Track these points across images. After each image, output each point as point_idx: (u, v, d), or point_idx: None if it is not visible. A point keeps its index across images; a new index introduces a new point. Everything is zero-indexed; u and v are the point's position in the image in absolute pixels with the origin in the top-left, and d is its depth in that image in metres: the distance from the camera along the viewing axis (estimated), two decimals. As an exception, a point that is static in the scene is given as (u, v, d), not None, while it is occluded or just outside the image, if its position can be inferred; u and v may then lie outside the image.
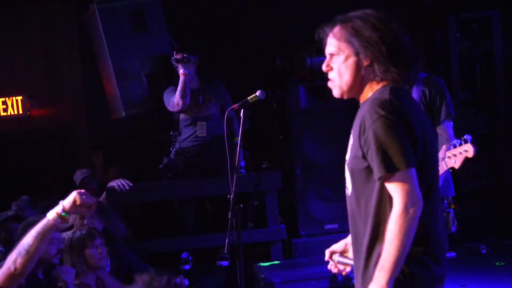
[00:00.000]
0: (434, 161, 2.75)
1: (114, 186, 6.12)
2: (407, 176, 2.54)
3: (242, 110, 4.39)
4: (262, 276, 5.77)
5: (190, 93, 6.31)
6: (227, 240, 4.21)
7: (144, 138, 7.77)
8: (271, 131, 7.52)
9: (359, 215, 2.73)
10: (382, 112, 2.55)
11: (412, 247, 2.57)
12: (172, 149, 6.57)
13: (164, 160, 6.54)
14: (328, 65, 2.75)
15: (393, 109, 2.56)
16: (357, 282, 2.79)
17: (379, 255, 2.60)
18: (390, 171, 2.54)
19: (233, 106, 4.56)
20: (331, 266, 3.04)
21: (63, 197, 3.12)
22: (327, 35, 2.72)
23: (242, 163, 6.59)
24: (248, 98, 4.48)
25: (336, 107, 6.48)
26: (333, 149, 6.56)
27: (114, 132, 7.64)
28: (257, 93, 4.50)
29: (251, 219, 6.64)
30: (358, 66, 2.66)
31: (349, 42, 2.65)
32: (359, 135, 2.62)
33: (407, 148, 2.55)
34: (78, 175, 6.52)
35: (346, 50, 2.66)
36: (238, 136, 4.56)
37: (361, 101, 2.74)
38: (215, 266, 6.45)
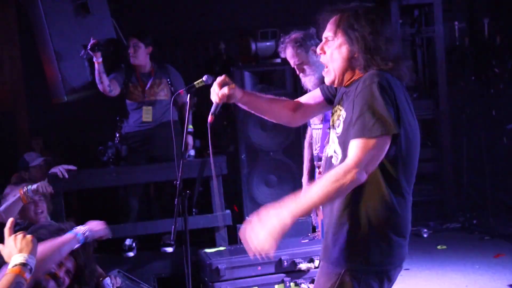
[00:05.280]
0: (416, 152, 2.83)
1: (56, 172, 6.00)
2: (379, 143, 2.60)
3: (188, 95, 4.35)
4: (208, 262, 5.75)
5: (140, 77, 6.42)
6: (173, 226, 4.17)
7: (86, 124, 7.64)
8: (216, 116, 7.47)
9: None
10: (376, 79, 2.65)
11: (397, 235, 2.79)
12: (117, 134, 6.50)
13: (109, 144, 6.45)
14: (322, 48, 2.88)
15: (385, 79, 2.66)
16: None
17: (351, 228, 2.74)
18: (368, 136, 2.59)
19: (179, 91, 4.51)
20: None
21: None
22: (326, 21, 2.86)
23: (192, 152, 6.54)
24: (195, 83, 4.43)
25: (281, 92, 6.46)
26: (278, 134, 6.57)
27: (55, 118, 7.49)
28: (204, 78, 4.44)
29: (196, 205, 6.62)
30: (348, 55, 2.78)
31: (345, 31, 2.78)
32: (353, 102, 2.70)
33: (392, 115, 2.61)
34: (34, 157, 6.38)
35: (341, 38, 2.78)
36: (187, 122, 4.49)
37: (345, 85, 2.85)
38: (159, 253, 6.41)
